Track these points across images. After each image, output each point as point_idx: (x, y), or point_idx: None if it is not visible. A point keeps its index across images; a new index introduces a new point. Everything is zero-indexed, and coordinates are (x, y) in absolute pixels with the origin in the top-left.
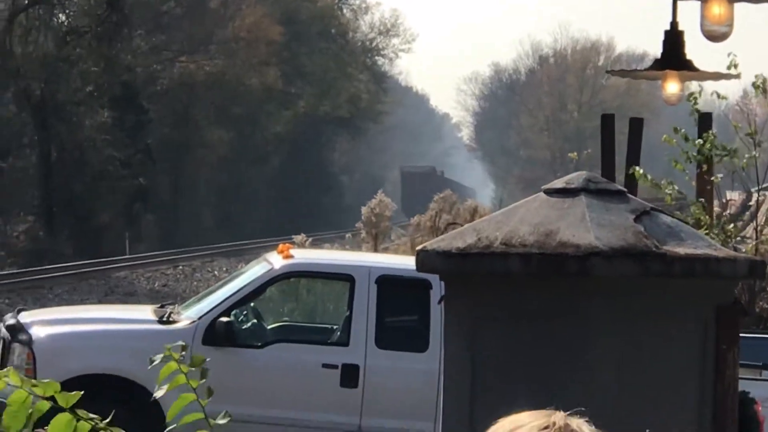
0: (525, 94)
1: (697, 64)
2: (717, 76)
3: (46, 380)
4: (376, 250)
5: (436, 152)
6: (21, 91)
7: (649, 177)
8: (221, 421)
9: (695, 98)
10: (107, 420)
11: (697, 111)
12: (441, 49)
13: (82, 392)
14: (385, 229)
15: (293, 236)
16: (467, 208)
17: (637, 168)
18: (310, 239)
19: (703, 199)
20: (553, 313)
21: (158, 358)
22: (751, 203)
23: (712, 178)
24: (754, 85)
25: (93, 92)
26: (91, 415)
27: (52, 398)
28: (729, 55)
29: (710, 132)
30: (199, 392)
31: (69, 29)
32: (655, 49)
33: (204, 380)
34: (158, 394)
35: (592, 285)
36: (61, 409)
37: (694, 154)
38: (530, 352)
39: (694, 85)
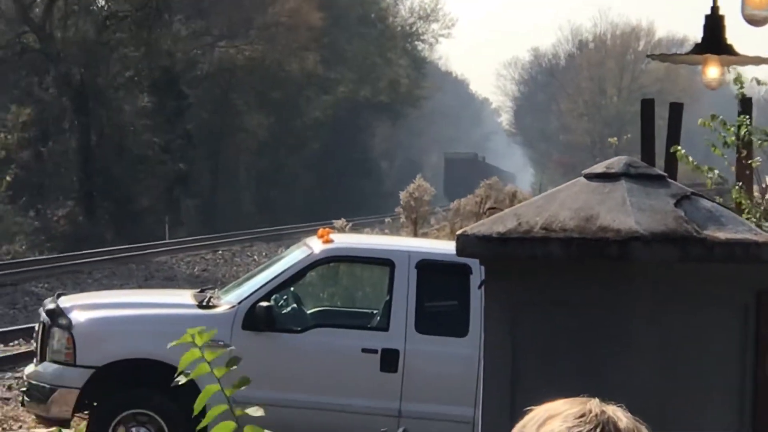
0: (564, 79)
1: (738, 48)
2: (758, 61)
3: None
4: (415, 234)
5: (476, 137)
6: (61, 76)
7: (690, 159)
8: (256, 413)
9: (741, 82)
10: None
11: (743, 95)
12: (480, 34)
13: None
14: (425, 214)
15: (333, 221)
16: (507, 193)
17: (676, 147)
18: (350, 224)
19: (741, 183)
20: (593, 298)
21: (185, 337)
22: None
23: (750, 162)
24: None
25: (133, 77)
26: None
27: None
28: None
29: (744, 117)
30: (224, 381)
31: (109, 14)
32: (696, 34)
33: (233, 367)
34: (181, 380)
35: (632, 270)
36: None
37: (732, 138)
38: (571, 337)
39: (732, 71)
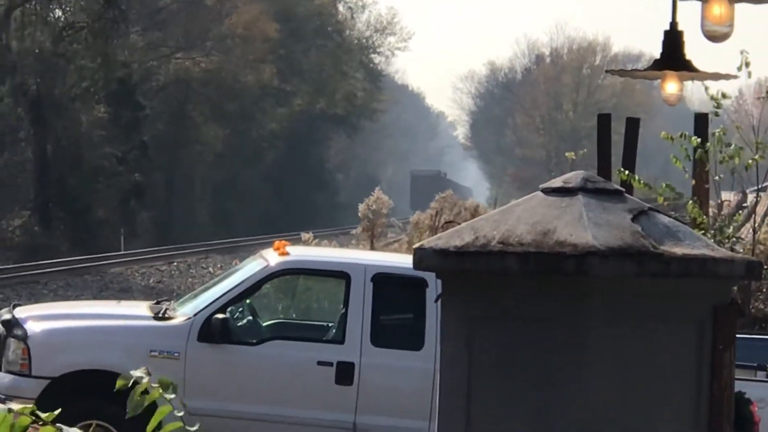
0: (521, 93)
1: (695, 64)
2: (716, 77)
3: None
4: (372, 247)
5: (432, 151)
6: (17, 86)
7: (637, 178)
8: (178, 413)
9: (717, 99)
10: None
11: (717, 110)
12: (437, 48)
13: (59, 411)
14: (382, 227)
15: (300, 233)
16: (468, 208)
17: (623, 170)
18: (316, 238)
19: (696, 198)
20: (550, 312)
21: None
22: (745, 204)
23: (716, 178)
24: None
25: (89, 88)
26: (72, 429)
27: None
28: (742, 53)
29: (720, 129)
30: (175, 404)
31: (65, 25)
32: (651, 50)
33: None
34: (129, 414)
35: (590, 285)
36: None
37: (696, 151)
38: (527, 351)
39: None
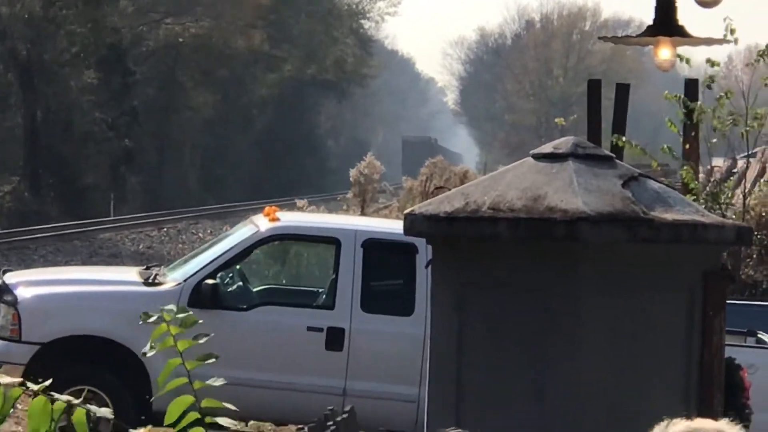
0: (511, 59)
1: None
2: (710, 42)
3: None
4: (363, 213)
5: (422, 116)
6: (7, 52)
7: (633, 143)
8: (216, 383)
9: (714, 62)
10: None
11: (711, 81)
12: (427, 13)
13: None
14: (373, 192)
15: (293, 199)
16: (458, 173)
17: (618, 136)
18: (312, 205)
19: (686, 163)
20: (541, 278)
21: (153, 317)
22: (735, 170)
23: (712, 141)
24: (759, 53)
25: (79, 53)
26: (65, 397)
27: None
28: (725, 20)
29: (700, 104)
30: (186, 355)
31: None
32: (641, 15)
33: (197, 342)
34: (149, 352)
35: (580, 250)
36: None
37: (690, 115)
38: (517, 316)
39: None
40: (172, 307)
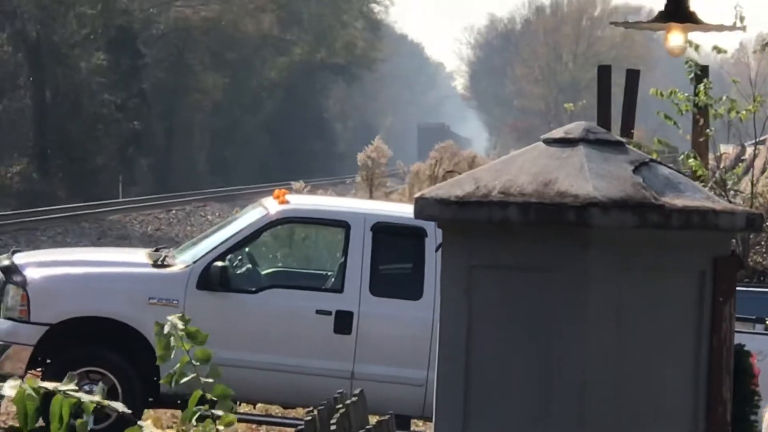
0: (520, 44)
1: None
2: (721, 29)
3: None
4: (371, 196)
5: (431, 101)
6: (17, 33)
7: (633, 142)
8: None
9: (693, 62)
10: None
11: (696, 74)
12: None
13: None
14: (381, 176)
15: (291, 182)
16: (466, 158)
17: (626, 132)
18: (308, 186)
19: (689, 153)
20: (550, 263)
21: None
22: (744, 157)
23: (707, 131)
24: (765, 46)
25: (89, 35)
26: (81, 395)
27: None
28: (735, 8)
29: (707, 82)
30: (194, 357)
31: None
32: (651, 2)
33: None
34: (160, 363)
35: (590, 235)
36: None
37: (687, 105)
38: (527, 301)
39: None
40: (174, 317)
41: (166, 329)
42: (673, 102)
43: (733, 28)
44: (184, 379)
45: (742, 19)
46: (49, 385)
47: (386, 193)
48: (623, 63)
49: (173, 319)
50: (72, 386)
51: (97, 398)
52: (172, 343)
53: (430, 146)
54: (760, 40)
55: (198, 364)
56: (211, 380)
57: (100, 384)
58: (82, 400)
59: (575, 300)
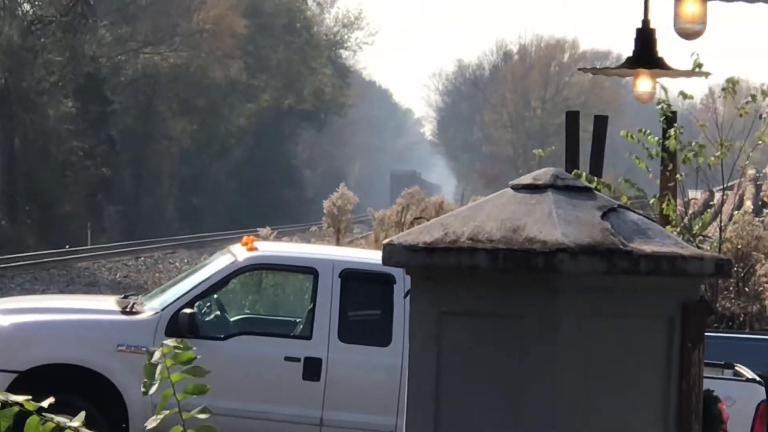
0: (489, 90)
1: (667, 61)
2: (689, 74)
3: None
4: (338, 243)
5: (400, 147)
6: None
7: (596, 180)
8: (201, 416)
9: (666, 102)
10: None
11: (667, 116)
12: (405, 45)
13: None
14: (348, 222)
15: (258, 229)
16: (434, 204)
17: (592, 177)
18: (275, 232)
19: (661, 195)
20: (519, 309)
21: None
22: (712, 202)
23: (678, 176)
24: (724, 89)
25: (57, 82)
26: (59, 418)
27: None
28: (692, 54)
29: (677, 127)
30: (177, 387)
31: (34, 18)
32: (619, 48)
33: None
34: (149, 390)
35: (559, 281)
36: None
37: (658, 150)
38: (497, 347)
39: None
40: (171, 341)
41: (156, 356)
42: (643, 146)
43: (700, 74)
44: (164, 413)
45: (699, 66)
46: (27, 404)
47: (353, 240)
48: (592, 108)
49: (169, 342)
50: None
51: (76, 424)
52: (157, 373)
53: (402, 193)
54: (733, 82)
55: (185, 396)
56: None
57: (83, 412)
58: (61, 424)
59: (544, 346)
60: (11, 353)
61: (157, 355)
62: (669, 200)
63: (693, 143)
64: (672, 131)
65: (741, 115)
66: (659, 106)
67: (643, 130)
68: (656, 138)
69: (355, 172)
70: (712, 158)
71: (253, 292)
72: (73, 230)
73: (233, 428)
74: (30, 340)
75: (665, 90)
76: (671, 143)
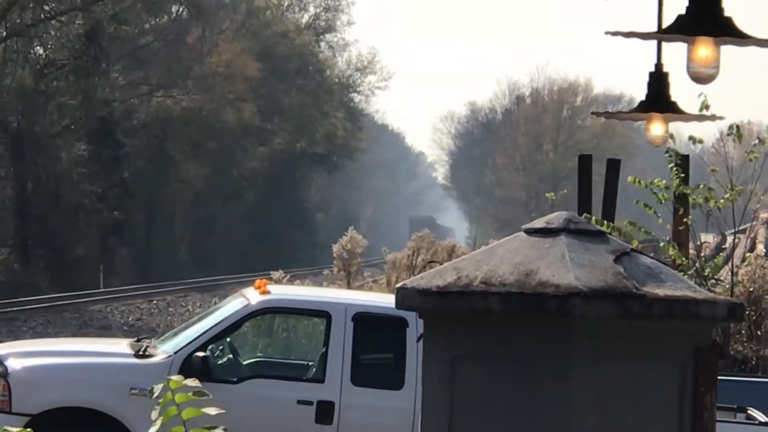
0: (501, 133)
1: (679, 104)
2: (702, 118)
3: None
4: (349, 287)
5: (412, 191)
6: None
7: (605, 223)
8: None
9: (674, 151)
10: None
11: (677, 163)
12: (417, 88)
13: None
14: (358, 266)
15: (271, 272)
16: (445, 247)
17: (604, 221)
18: (287, 276)
19: (669, 240)
20: (532, 353)
21: (157, 389)
22: (725, 246)
23: (685, 220)
24: (729, 134)
25: (70, 125)
26: None
27: None
28: (700, 95)
29: (678, 170)
30: (188, 426)
31: (47, 62)
32: (632, 91)
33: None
34: (153, 430)
35: (572, 325)
36: None
37: (665, 194)
38: (509, 391)
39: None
40: (179, 377)
41: (158, 392)
42: (653, 191)
43: (714, 118)
44: None
45: (707, 107)
46: None
47: (364, 283)
48: (604, 152)
49: (174, 378)
50: None
51: None
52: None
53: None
54: (736, 128)
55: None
56: None
57: None
58: None
59: (557, 389)
60: (24, 396)
61: (158, 390)
62: (674, 246)
63: (702, 186)
64: (673, 172)
65: (750, 160)
66: (667, 154)
67: (653, 180)
68: (663, 182)
69: (368, 215)
70: (722, 201)
71: (266, 336)
72: (86, 273)
73: None
74: (43, 383)
75: (673, 138)
76: (675, 185)
